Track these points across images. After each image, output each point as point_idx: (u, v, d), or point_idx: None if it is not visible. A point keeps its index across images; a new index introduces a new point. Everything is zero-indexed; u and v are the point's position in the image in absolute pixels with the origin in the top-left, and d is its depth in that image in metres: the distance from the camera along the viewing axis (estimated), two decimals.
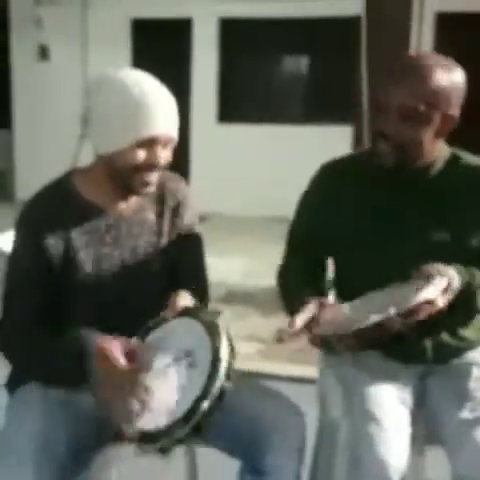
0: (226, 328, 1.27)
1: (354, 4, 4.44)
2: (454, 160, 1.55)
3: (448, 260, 1.42)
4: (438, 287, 1.33)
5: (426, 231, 1.51)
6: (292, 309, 1.45)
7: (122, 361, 1.26)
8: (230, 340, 1.26)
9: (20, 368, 1.50)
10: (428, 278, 1.35)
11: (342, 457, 1.42)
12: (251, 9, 7.11)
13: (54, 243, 1.43)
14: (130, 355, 1.29)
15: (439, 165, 1.54)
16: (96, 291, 1.46)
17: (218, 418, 1.19)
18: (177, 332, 1.33)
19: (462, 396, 1.50)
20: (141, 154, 1.39)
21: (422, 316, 1.31)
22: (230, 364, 1.22)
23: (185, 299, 1.38)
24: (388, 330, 1.30)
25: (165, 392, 1.26)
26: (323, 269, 1.67)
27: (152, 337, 1.37)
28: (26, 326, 1.43)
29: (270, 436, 1.38)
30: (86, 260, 1.46)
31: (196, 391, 1.20)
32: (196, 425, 1.18)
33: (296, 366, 3.01)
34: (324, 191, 1.63)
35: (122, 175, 1.42)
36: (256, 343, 3.44)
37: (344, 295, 1.54)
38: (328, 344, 1.39)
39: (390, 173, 1.52)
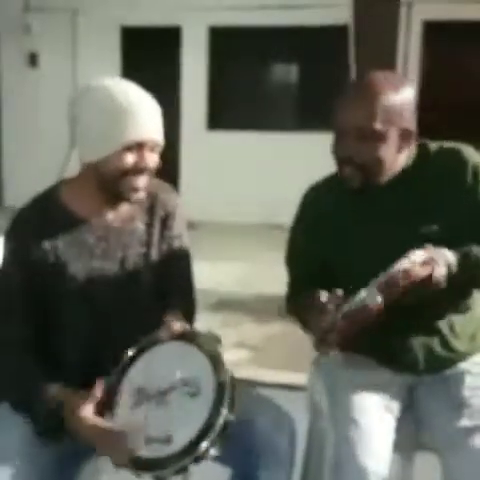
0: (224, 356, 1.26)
1: (342, 13, 4.47)
2: (422, 152, 1.57)
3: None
4: (416, 258, 1.36)
5: (413, 228, 1.52)
6: (305, 312, 1.44)
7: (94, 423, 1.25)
8: (230, 370, 1.25)
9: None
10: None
11: (327, 470, 1.43)
12: (240, 17, 7.14)
13: (42, 256, 1.43)
14: (103, 401, 1.28)
15: (407, 165, 1.56)
16: (85, 303, 1.45)
17: (218, 450, 1.19)
18: (175, 357, 1.30)
19: (457, 404, 1.50)
20: (128, 158, 1.39)
21: (401, 285, 1.33)
22: (234, 396, 1.22)
23: (180, 321, 1.37)
24: (371, 310, 1.32)
25: (164, 420, 1.24)
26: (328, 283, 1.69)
27: (147, 357, 1.33)
28: (12, 343, 1.41)
29: (261, 444, 1.38)
30: (76, 273, 1.45)
31: (199, 422, 1.19)
32: (198, 456, 1.18)
33: (287, 373, 3.02)
34: (311, 214, 1.67)
35: (110, 181, 1.42)
36: (247, 350, 3.44)
37: None
38: (321, 342, 1.39)
39: (361, 192, 1.55)
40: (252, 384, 1.29)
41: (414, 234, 1.51)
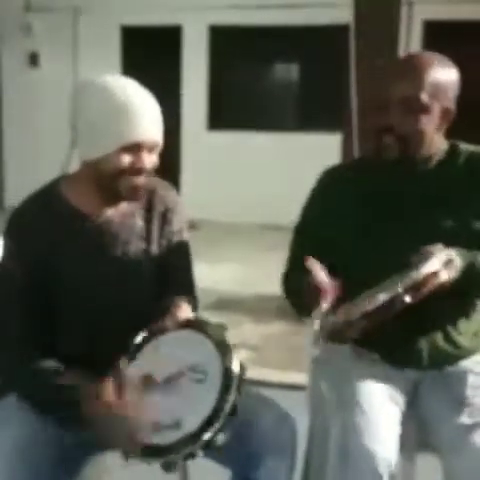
0: (233, 344, 1.27)
1: (343, 12, 4.46)
2: (453, 150, 1.61)
3: (453, 246, 1.45)
4: (439, 260, 1.37)
5: (430, 218, 1.54)
6: (299, 295, 1.46)
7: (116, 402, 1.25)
8: (238, 356, 1.25)
9: (3, 381, 1.48)
10: (428, 256, 1.38)
11: (333, 458, 1.42)
12: (241, 17, 7.14)
13: (41, 251, 1.42)
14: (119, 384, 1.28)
15: (439, 156, 1.60)
16: (85, 299, 1.45)
17: (229, 435, 1.20)
18: (182, 345, 1.31)
19: (459, 402, 1.51)
20: (126, 159, 1.39)
21: (429, 288, 1.35)
22: (241, 381, 1.22)
23: (186, 310, 1.37)
24: (397, 307, 1.33)
25: (173, 406, 1.24)
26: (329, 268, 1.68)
27: (153, 345, 1.35)
28: (13, 339, 1.41)
29: (261, 444, 1.38)
30: (75, 268, 1.45)
31: (207, 408, 1.19)
32: (206, 442, 1.18)
33: (287, 373, 3.02)
34: (326, 194, 1.67)
35: (108, 180, 1.41)
36: (247, 350, 3.44)
37: (350, 291, 1.55)
38: (337, 334, 1.40)
39: (393, 165, 1.57)
40: (252, 384, 1.28)
41: (430, 227, 1.53)
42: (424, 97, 1.49)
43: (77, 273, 1.45)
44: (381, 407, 1.48)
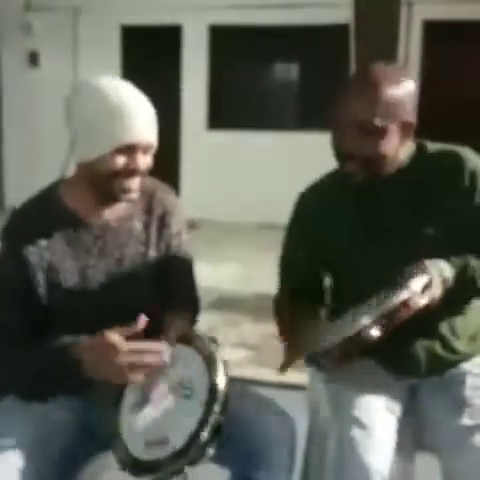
0: (222, 359, 1.27)
1: (343, 12, 4.47)
2: (420, 152, 1.57)
3: (440, 253, 1.43)
4: (415, 287, 1.34)
5: (412, 230, 1.52)
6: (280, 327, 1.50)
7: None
8: (226, 371, 1.25)
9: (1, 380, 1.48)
10: (408, 279, 1.36)
11: (329, 460, 1.42)
12: (241, 16, 7.14)
13: (39, 254, 1.42)
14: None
15: (405, 163, 1.55)
16: (81, 302, 1.45)
17: (213, 451, 1.20)
18: (173, 360, 1.30)
19: (459, 404, 1.50)
20: (120, 160, 1.39)
21: (400, 318, 1.31)
22: (227, 398, 1.22)
23: (180, 325, 1.37)
24: (367, 339, 1.31)
25: (161, 422, 1.25)
26: (318, 286, 1.69)
27: None
28: (9, 338, 1.41)
29: (260, 444, 1.38)
30: (71, 271, 1.44)
31: (192, 424, 1.19)
32: (192, 459, 1.18)
33: (286, 373, 3.01)
34: (306, 217, 1.65)
35: (103, 181, 1.41)
36: (246, 349, 3.44)
37: (338, 307, 1.55)
38: (315, 361, 1.40)
39: (363, 188, 1.54)
40: (251, 383, 1.28)
41: (412, 237, 1.51)
42: (378, 121, 1.42)
43: (73, 276, 1.44)
44: (377, 419, 1.46)
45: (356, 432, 1.42)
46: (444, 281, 1.40)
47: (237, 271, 5.16)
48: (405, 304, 1.31)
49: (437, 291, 1.38)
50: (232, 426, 1.33)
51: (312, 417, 1.62)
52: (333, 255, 1.60)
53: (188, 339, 1.32)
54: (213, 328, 3.44)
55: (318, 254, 1.62)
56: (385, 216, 1.55)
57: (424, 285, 1.35)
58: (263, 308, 4.14)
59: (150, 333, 1.37)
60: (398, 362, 1.56)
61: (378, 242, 1.54)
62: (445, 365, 1.56)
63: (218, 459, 1.44)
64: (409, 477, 1.64)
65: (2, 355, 1.42)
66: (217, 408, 1.20)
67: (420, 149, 1.57)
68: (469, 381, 1.54)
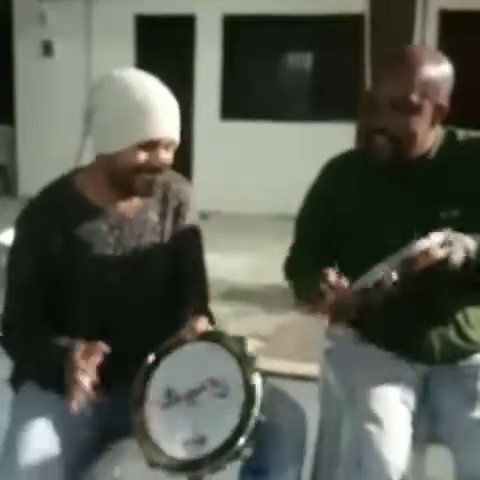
0: (254, 356, 1.27)
1: (358, 1, 4.42)
2: (450, 138, 1.58)
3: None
4: (435, 239, 1.35)
5: (433, 212, 1.52)
6: (307, 289, 1.44)
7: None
8: (261, 372, 1.25)
9: (20, 365, 1.50)
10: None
11: (344, 456, 1.42)
12: (255, 6, 7.09)
13: (55, 243, 1.43)
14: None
15: (435, 148, 1.56)
16: (97, 291, 1.46)
17: (251, 451, 1.21)
18: (202, 358, 1.31)
19: (472, 397, 1.50)
20: (142, 156, 1.39)
21: (420, 264, 1.33)
22: (265, 396, 1.23)
23: (203, 322, 1.37)
24: (386, 286, 1.31)
25: (196, 421, 1.25)
26: (329, 260, 1.67)
27: (174, 358, 1.33)
28: (26, 325, 1.43)
29: (272, 435, 1.38)
30: (88, 260, 1.45)
31: (232, 423, 1.20)
32: (233, 456, 1.19)
33: (298, 364, 3.01)
34: (329, 185, 1.66)
35: (123, 176, 1.41)
36: (258, 341, 3.44)
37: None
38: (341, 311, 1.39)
39: (388, 166, 1.54)
40: (263, 375, 1.28)
41: (434, 217, 1.51)
42: (414, 98, 1.44)
43: (89, 265, 1.45)
44: (392, 412, 1.46)
45: (372, 427, 1.41)
46: (466, 247, 1.39)
47: (249, 262, 5.15)
48: (424, 251, 1.33)
49: (459, 254, 1.37)
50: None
51: (323, 410, 1.61)
52: (346, 229, 1.60)
53: (215, 337, 1.32)
54: (223, 319, 3.44)
55: (331, 226, 1.61)
56: (407, 199, 1.55)
57: (443, 241, 1.36)
58: (275, 299, 4.15)
59: (166, 328, 1.37)
60: (412, 349, 1.55)
61: (391, 223, 1.54)
62: (459, 354, 1.56)
63: None
64: (421, 469, 1.64)
65: (19, 341, 1.44)
66: (256, 409, 1.21)
67: (450, 135, 1.58)
68: None
